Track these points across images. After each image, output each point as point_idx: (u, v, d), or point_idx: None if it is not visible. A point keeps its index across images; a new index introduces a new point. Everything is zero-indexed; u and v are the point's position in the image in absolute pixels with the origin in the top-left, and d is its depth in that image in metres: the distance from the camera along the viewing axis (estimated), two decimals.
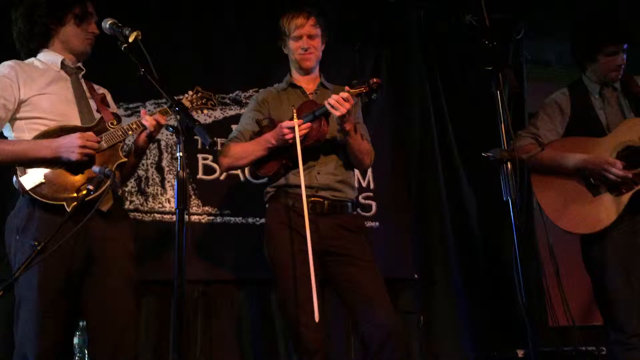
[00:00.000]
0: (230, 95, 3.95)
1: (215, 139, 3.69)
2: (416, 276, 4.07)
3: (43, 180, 2.24)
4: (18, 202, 2.33)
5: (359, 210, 3.94)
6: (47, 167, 2.26)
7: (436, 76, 4.53)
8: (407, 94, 4.45)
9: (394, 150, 4.27)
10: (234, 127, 3.62)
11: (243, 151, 2.78)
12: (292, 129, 2.60)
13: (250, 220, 3.77)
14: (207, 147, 3.67)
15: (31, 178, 2.24)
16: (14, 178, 2.27)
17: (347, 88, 2.61)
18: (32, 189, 2.22)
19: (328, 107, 2.56)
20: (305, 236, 2.59)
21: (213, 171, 3.80)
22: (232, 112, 3.91)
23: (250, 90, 3.94)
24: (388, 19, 4.50)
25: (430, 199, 4.31)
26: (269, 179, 2.84)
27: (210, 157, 3.78)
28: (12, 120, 2.37)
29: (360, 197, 4.01)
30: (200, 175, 3.76)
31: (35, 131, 2.33)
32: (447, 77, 4.57)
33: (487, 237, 4.34)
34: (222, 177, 3.81)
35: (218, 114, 3.86)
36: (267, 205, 2.86)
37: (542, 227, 2.91)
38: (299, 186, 2.62)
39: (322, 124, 2.65)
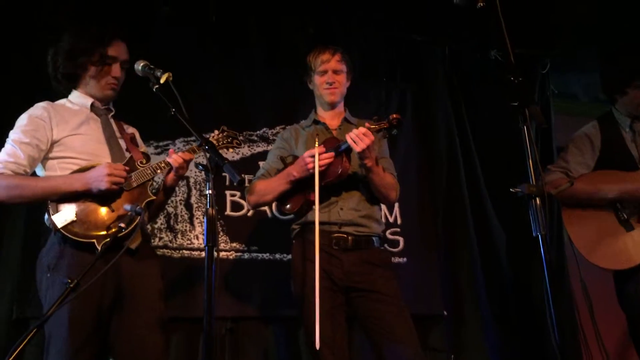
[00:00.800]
0: (258, 132, 4.00)
1: (243, 175, 3.70)
2: (445, 313, 4.00)
3: (74, 219, 2.28)
4: (49, 240, 2.37)
5: (386, 245, 3.92)
6: (79, 201, 2.31)
7: (462, 111, 4.53)
8: (433, 129, 4.45)
9: (421, 185, 4.25)
10: (261, 163, 3.66)
11: (267, 187, 2.84)
12: (314, 157, 2.63)
13: (277, 256, 3.77)
14: (235, 184, 3.70)
15: (62, 216, 2.28)
16: (46, 216, 2.31)
17: (367, 124, 2.64)
18: (64, 227, 2.27)
19: (349, 140, 2.59)
20: (330, 272, 2.63)
21: (241, 207, 3.83)
22: (259, 149, 3.95)
23: (277, 127, 3.99)
24: (413, 55, 4.54)
25: (458, 235, 4.27)
26: (294, 216, 2.86)
27: (238, 193, 3.81)
28: (45, 159, 2.43)
29: (387, 233, 3.99)
30: (228, 212, 3.79)
31: (67, 170, 2.39)
32: (473, 112, 4.56)
33: (517, 272, 4.27)
34: (249, 214, 3.83)
35: (245, 150, 3.91)
36: (293, 242, 2.87)
37: (574, 262, 2.86)
38: (324, 223, 2.66)
39: (343, 161, 2.68)
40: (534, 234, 1.93)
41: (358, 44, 4.37)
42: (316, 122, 2.98)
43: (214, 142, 2.67)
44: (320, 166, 2.62)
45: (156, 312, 2.40)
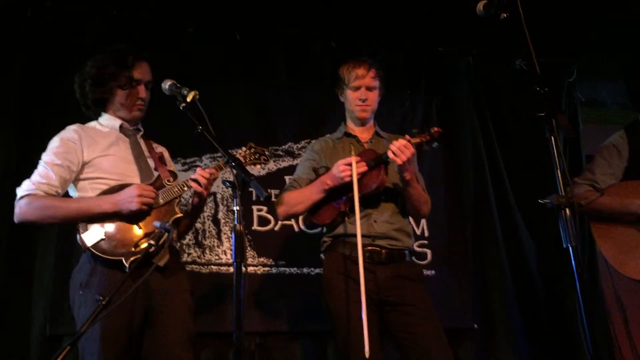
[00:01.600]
0: (283, 147, 4.02)
1: (269, 191, 3.73)
2: (475, 326, 3.96)
3: (103, 237, 2.33)
4: (81, 259, 2.42)
5: (413, 258, 3.90)
6: (109, 222, 2.35)
7: (488, 121, 4.50)
8: (459, 141, 4.44)
9: (448, 197, 4.23)
10: (287, 178, 3.68)
11: (299, 196, 2.78)
12: (350, 165, 2.59)
13: (305, 270, 3.77)
14: (262, 200, 3.72)
15: (92, 235, 2.33)
16: (77, 236, 2.36)
17: (407, 137, 2.60)
18: (93, 245, 2.31)
19: (390, 154, 2.55)
20: (367, 288, 2.54)
21: (268, 222, 3.85)
22: (285, 164, 3.98)
23: (302, 142, 4.02)
24: (437, 66, 4.53)
25: (487, 247, 4.23)
26: (326, 229, 2.84)
27: (265, 208, 3.82)
28: (76, 180, 2.49)
29: (415, 245, 3.96)
30: (255, 227, 3.81)
31: (97, 190, 2.44)
32: (499, 122, 4.53)
33: (548, 285, 4.21)
34: (276, 228, 3.85)
35: (271, 165, 3.93)
36: (324, 255, 2.85)
37: (606, 274, 2.81)
38: (356, 235, 2.58)
39: (381, 173, 2.64)
40: (564, 246, 1.90)
41: (381, 56, 4.38)
42: (347, 134, 2.95)
43: (242, 158, 2.67)
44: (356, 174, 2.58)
45: (185, 328, 2.41)
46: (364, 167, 2.62)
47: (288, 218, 3.24)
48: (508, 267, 4.17)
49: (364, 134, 2.94)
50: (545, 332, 4.09)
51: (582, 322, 1.89)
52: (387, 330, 2.68)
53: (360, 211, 2.62)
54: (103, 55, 2.57)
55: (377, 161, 2.65)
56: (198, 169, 2.52)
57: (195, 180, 2.46)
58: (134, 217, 2.38)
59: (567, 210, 1.90)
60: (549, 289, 4.20)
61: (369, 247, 2.67)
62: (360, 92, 2.84)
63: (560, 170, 1.90)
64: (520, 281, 4.18)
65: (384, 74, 2.94)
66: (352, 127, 2.97)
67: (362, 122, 2.93)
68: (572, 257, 1.88)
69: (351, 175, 2.59)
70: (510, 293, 4.12)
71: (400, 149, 2.54)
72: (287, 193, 2.84)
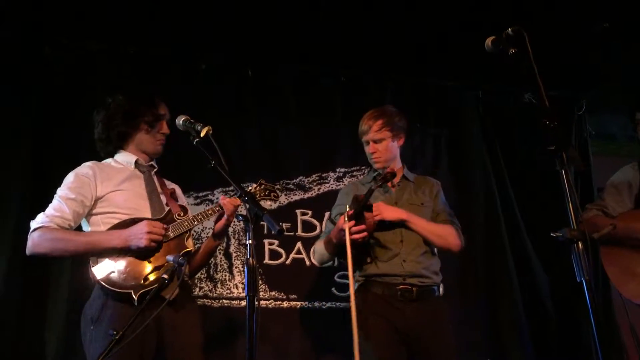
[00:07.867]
0: (294, 180, 4.04)
1: (280, 224, 3.75)
2: None
3: (113, 270, 2.35)
4: (93, 293, 2.43)
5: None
6: (118, 256, 2.37)
7: (498, 155, 4.50)
8: (468, 174, 4.44)
9: None
10: (298, 212, 3.72)
11: (323, 247, 2.97)
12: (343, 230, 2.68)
13: (316, 304, 3.76)
14: (274, 234, 3.73)
15: (102, 268, 2.35)
16: (89, 270, 2.37)
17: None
18: (103, 278, 2.33)
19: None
20: (394, 322, 2.71)
21: (279, 256, 3.84)
22: (296, 197, 3.99)
23: (313, 175, 4.03)
24: (447, 100, 4.56)
25: (499, 281, 4.19)
26: (358, 270, 2.90)
27: (276, 242, 3.83)
28: (89, 215, 2.52)
29: None
30: (266, 260, 3.81)
31: (109, 225, 2.47)
32: (510, 155, 4.53)
33: (562, 319, 4.16)
34: (287, 262, 3.84)
35: (282, 199, 3.94)
36: (355, 294, 2.85)
37: (620, 305, 2.79)
38: (388, 275, 2.78)
39: (366, 221, 2.72)
40: (577, 279, 1.89)
41: (390, 91, 4.42)
42: (375, 178, 3.02)
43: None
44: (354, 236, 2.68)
45: None
46: (358, 234, 2.68)
47: (323, 264, 3.32)
48: (520, 299, 4.13)
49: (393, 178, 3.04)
50: None
51: (598, 357, 1.86)
52: None
53: (389, 251, 2.84)
54: (130, 94, 2.69)
55: (357, 210, 2.72)
56: (222, 197, 2.56)
57: (221, 207, 2.52)
58: (143, 252, 2.40)
59: (580, 244, 1.90)
60: (563, 322, 4.15)
61: (401, 286, 2.78)
62: (370, 147, 2.99)
63: (572, 203, 1.90)
64: (533, 314, 4.13)
65: (398, 119, 3.02)
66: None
67: (383, 170, 3.01)
68: (585, 292, 1.87)
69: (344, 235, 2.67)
70: (523, 327, 4.06)
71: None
72: (317, 243, 3.07)
